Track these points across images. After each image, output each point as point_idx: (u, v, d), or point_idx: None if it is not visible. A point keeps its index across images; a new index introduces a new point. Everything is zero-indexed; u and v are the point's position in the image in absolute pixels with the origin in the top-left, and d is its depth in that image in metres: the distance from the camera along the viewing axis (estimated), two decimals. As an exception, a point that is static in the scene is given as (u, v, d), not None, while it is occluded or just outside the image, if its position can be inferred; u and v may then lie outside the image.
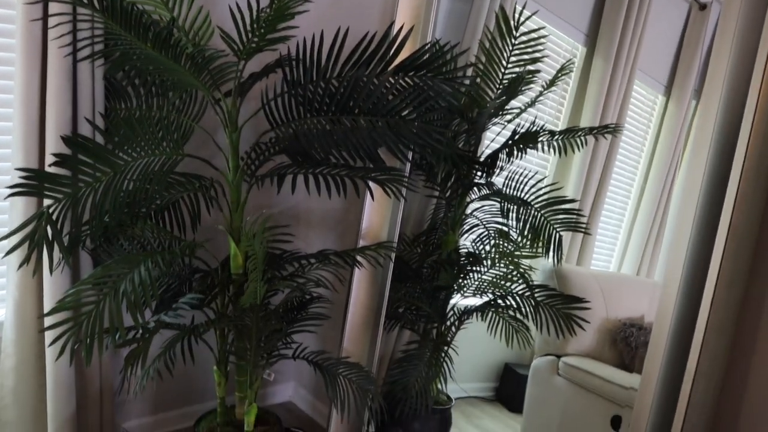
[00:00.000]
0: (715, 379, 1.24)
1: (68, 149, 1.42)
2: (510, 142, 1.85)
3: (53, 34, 1.35)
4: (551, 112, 2.23)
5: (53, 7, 1.33)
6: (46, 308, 1.49)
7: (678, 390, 1.22)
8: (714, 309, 1.20)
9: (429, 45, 1.45)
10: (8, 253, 1.29)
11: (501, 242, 1.98)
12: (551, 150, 1.93)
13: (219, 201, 1.56)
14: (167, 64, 1.33)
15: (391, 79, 1.41)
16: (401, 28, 1.38)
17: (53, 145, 1.42)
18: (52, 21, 1.34)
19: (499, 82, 1.90)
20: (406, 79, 1.42)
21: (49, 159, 1.42)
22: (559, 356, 1.99)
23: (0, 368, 1.53)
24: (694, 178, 1.24)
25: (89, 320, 1.16)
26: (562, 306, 1.86)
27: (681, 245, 1.26)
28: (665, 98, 2.36)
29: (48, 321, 1.48)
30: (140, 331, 1.35)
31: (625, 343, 1.93)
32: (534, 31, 1.83)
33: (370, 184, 1.50)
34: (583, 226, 1.97)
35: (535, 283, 1.97)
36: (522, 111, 1.94)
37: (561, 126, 2.26)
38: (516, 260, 1.92)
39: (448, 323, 2.00)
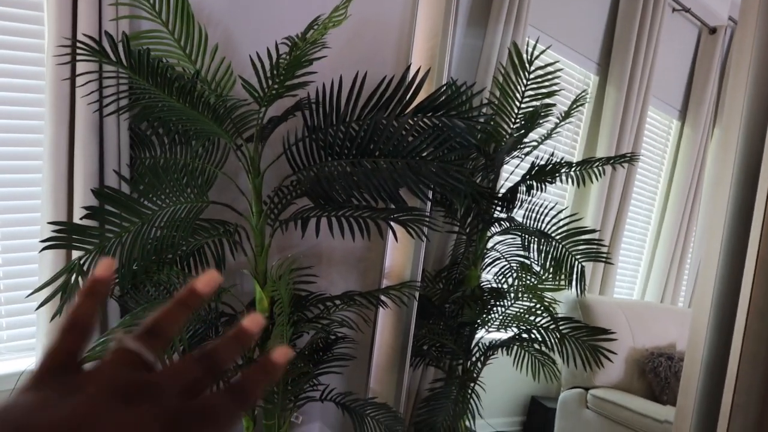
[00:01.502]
0: (753, 413, 1.22)
1: (96, 201, 1.45)
2: (528, 176, 1.86)
3: (81, 91, 1.39)
4: (567, 141, 2.24)
5: (81, 66, 1.38)
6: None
7: (715, 424, 1.20)
8: (747, 340, 1.18)
9: (445, 86, 1.47)
10: (41, 305, 1.31)
11: (523, 275, 1.97)
12: (569, 181, 1.93)
13: (243, 245, 1.58)
14: (191, 114, 1.36)
15: (410, 120, 1.43)
16: (418, 71, 1.40)
17: (81, 196, 1.45)
18: (79, 80, 1.38)
19: (515, 116, 1.92)
20: (425, 120, 1.45)
21: (77, 210, 1.45)
22: (587, 389, 1.96)
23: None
24: (717, 209, 1.23)
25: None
26: (587, 338, 1.84)
27: (709, 275, 1.25)
28: (680, 123, 2.36)
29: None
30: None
31: (654, 374, 1.90)
32: (549, 65, 1.85)
33: (393, 225, 1.51)
34: (605, 255, 1.96)
35: (559, 315, 1.96)
36: (539, 144, 1.95)
37: (577, 155, 2.27)
38: (539, 293, 1.91)
39: (474, 359, 1.99)
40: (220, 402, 0.31)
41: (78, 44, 1.27)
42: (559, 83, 1.93)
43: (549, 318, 1.89)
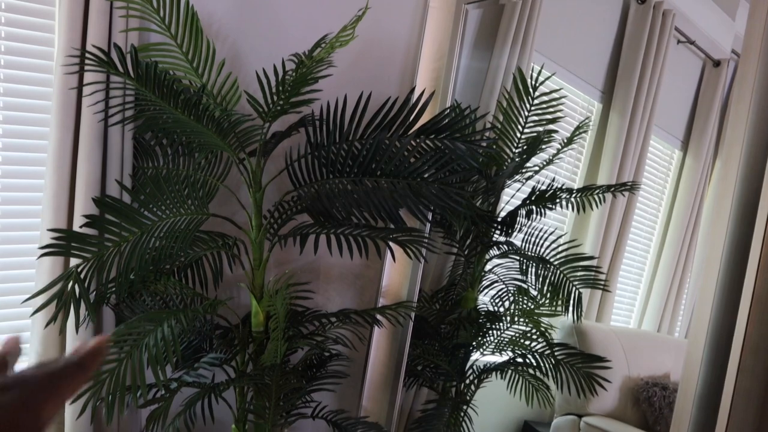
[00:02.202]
0: (745, 450, 1.21)
1: (97, 209, 1.46)
2: (528, 201, 1.87)
3: (87, 101, 1.41)
4: (569, 167, 2.25)
5: (89, 76, 1.39)
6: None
7: (706, 460, 1.20)
8: (741, 375, 1.18)
9: (449, 109, 1.48)
10: (36, 311, 1.31)
11: (520, 299, 1.97)
12: (569, 207, 1.94)
13: (241, 258, 1.59)
14: (195, 127, 1.37)
15: (412, 141, 1.44)
16: (422, 92, 1.42)
17: (82, 204, 1.46)
18: (86, 89, 1.39)
19: (517, 141, 1.93)
20: (427, 141, 1.45)
21: (78, 218, 1.46)
22: (580, 416, 1.95)
23: (20, 424, 1.53)
24: (715, 243, 1.24)
25: (111, 378, 1.18)
26: (582, 365, 1.83)
27: (705, 308, 1.25)
28: (682, 153, 2.37)
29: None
30: (162, 390, 1.35)
31: (649, 404, 1.89)
32: (553, 91, 1.87)
33: (391, 244, 1.52)
34: (603, 282, 1.96)
35: (555, 340, 1.96)
36: (540, 169, 1.96)
37: (578, 182, 2.27)
38: (536, 318, 1.91)
39: (468, 381, 1.98)
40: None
41: (87, 55, 1.28)
42: (562, 110, 1.95)
43: (544, 343, 1.89)
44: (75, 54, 1.36)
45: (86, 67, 1.35)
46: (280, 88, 1.38)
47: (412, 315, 1.87)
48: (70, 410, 1.51)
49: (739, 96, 1.22)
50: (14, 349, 0.39)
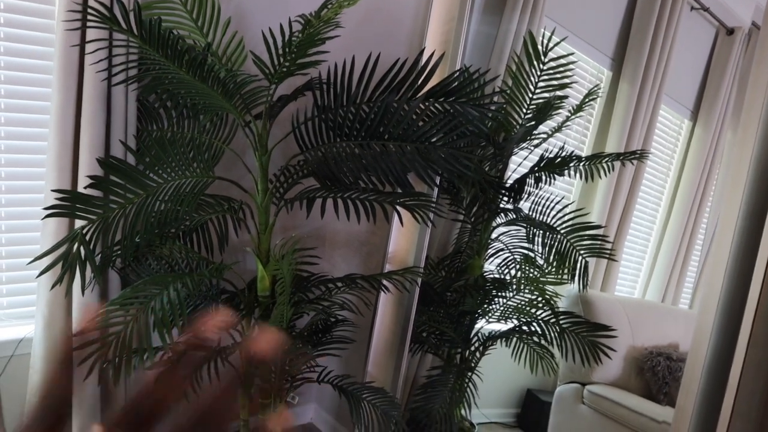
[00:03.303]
0: (753, 421, 1.21)
1: (102, 171, 1.44)
2: (537, 168, 1.84)
3: (90, 59, 1.38)
4: (577, 136, 2.22)
5: (91, 33, 1.36)
6: (75, 326, 1.50)
7: (714, 428, 1.19)
8: (751, 346, 1.17)
9: (458, 72, 1.45)
10: (42, 273, 1.30)
11: (526, 267, 1.97)
12: (577, 175, 1.92)
13: (247, 223, 1.57)
14: (200, 88, 1.35)
15: (421, 105, 1.41)
16: (431, 55, 1.39)
17: (86, 166, 1.44)
18: (89, 47, 1.36)
19: (526, 106, 1.90)
20: (436, 105, 1.43)
21: (82, 180, 1.44)
22: (583, 384, 1.96)
23: (28, 384, 1.54)
24: (730, 210, 1.22)
25: (118, 341, 1.17)
26: (587, 333, 1.83)
27: (717, 277, 1.24)
28: (692, 123, 2.34)
29: (77, 340, 1.49)
30: (168, 353, 1.35)
31: (653, 373, 1.89)
32: (563, 57, 1.83)
33: (399, 209, 1.50)
34: (609, 252, 1.95)
35: (560, 309, 1.95)
36: (549, 135, 1.93)
37: (586, 150, 2.25)
38: (541, 286, 1.90)
39: (473, 348, 1.99)
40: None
41: (89, 10, 1.25)
42: (572, 76, 1.91)
43: (550, 311, 1.88)
44: (77, 9, 1.33)
45: (88, 24, 1.32)
46: (287, 49, 1.35)
47: (419, 281, 1.87)
48: (77, 372, 1.51)
49: (760, 58, 1.19)
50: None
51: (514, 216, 1.94)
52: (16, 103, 1.49)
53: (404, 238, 1.87)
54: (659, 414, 1.70)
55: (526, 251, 1.98)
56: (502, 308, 1.97)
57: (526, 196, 1.92)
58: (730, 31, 2.27)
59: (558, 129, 1.93)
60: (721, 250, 1.22)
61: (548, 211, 1.92)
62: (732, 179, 1.21)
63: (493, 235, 1.99)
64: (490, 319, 1.99)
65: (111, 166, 1.36)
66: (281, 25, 1.39)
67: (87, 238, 1.30)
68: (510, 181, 1.95)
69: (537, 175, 1.85)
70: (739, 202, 1.19)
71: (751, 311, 1.15)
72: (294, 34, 1.34)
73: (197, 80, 1.32)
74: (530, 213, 1.93)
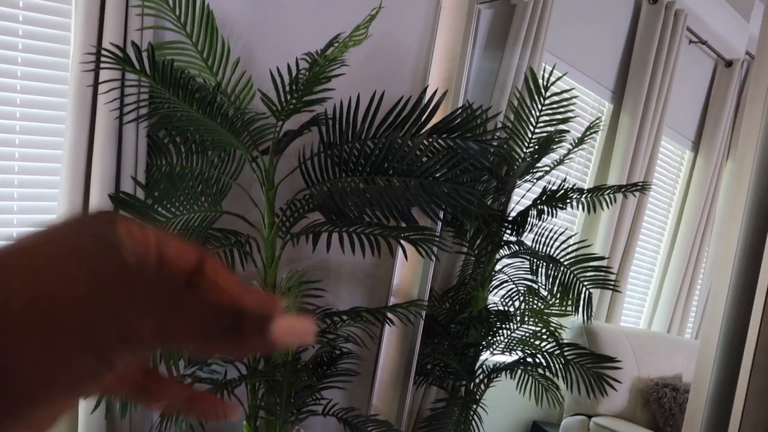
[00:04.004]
0: (757, 451, 1.21)
1: (112, 205, 1.47)
2: (539, 201, 1.87)
3: (103, 98, 1.42)
4: (579, 168, 2.25)
5: (105, 73, 1.40)
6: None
7: (718, 461, 1.19)
8: (754, 374, 1.17)
9: (461, 108, 1.49)
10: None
11: (530, 299, 1.97)
12: (580, 207, 1.94)
13: (254, 256, 1.59)
14: (209, 125, 1.39)
15: (425, 141, 1.44)
16: (435, 92, 1.42)
17: (97, 201, 1.47)
18: (102, 87, 1.40)
19: (528, 140, 1.93)
20: (440, 141, 1.46)
21: (93, 215, 1.47)
22: (589, 416, 1.95)
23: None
24: (729, 240, 1.23)
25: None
26: (592, 365, 1.83)
27: (718, 308, 1.25)
28: (693, 153, 2.37)
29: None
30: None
31: (659, 404, 1.89)
32: (564, 91, 1.87)
33: (403, 243, 1.52)
34: (613, 283, 1.95)
35: (565, 340, 1.95)
36: (551, 169, 1.96)
37: (589, 182, 2.27)
38: (545, 317, 1.91)
39: (477, 381, 1.99)
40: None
41: (103, 52, 1.29)
42: (573, 110, 1.95)
43: (554, 343, 1.89)
44: (92, 52, 1.37)
45: (102, 65, 1.36)
46: (293, 87, 1.39)
47: (423, 314, 1.88)
48: (83, 405, 1.52)
49: (753, 95, 1.22)
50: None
51: (518, 248, 1.96)
52: (30, 139, 1.53)
53: (408, 271, 1.89)
54: (665, 448, 1.69)
55: (529, 283, 1.99)
56: (506, 340, 1.98)
57: (529, 228, 1.93)
58: (729, 63, 2.31)
59: (560, 162, 1.95)
60: (722, 280, 1.24)
61: (551, 242, 1.93)
62: (729, 212, 1.22)
63: (497, 267, 2.01)
64: (495, 351, 1.99)
65: (121, 201, 1.39)
66: (288, 64, 1.43)
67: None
68: (513, 214, 1.97)
69: (539, 208, 1.88)
70: (737, 232, 1.21)
71: (753, 340, 1.16)
72: (300, 72, 1.38)
73: (207, 118, 1.36)
74: (533, 245, 1.95)
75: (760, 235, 1.18)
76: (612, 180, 2.18)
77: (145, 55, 1.30)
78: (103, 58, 1.30)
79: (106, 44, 1.40)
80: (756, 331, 1.17)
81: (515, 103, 1.96)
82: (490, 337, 1.98)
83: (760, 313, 1.16)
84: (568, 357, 1.85)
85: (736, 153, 1.27)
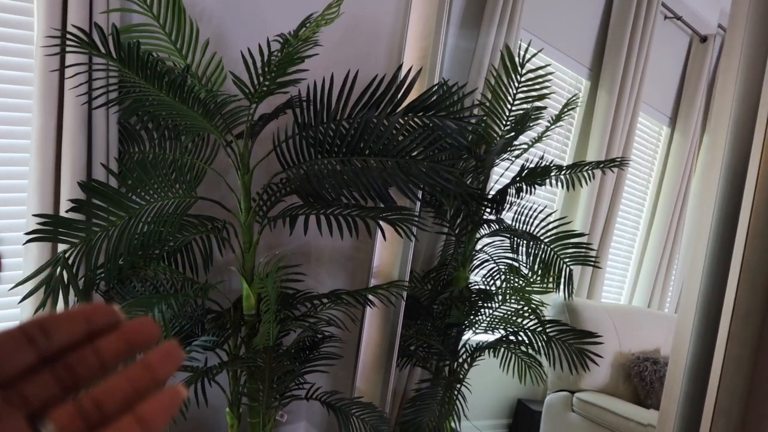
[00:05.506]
0: (735, 417, 1.22)
1: (84, 194, 1.44)
2: (518, 178, 1.87)
3: (70, 83, 1.38)
4: (557, 145, 2.25)
5: (70, 58, 1.37)
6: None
7: (697, 428, 1.21)
8: (730, 343, 1.19)
9: (437, 86, 1.47)
10: (24, 298, 1.30)
11: (511, 278, 1.98)
12: (559, 184, 1.94)
13: (231, 242, 1.57)
14: (181, 109, 1.36)
15: (401, 120, 1.43)
16: (409, 70, 1.40)
17: (68, 190, 1.44)
18: (68, 71, 1.37)
19: (506, 118, 1.92)
20: (416, 119, 1.44)
21: (64, 204, 1.44)
22: (572, 392, 1.97)
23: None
24: (704, 213, 1.24)
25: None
26: (574, 341, 1.84)
27: (694, 279, 1.26)
28: (670, 129, 2.38)
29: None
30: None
31: (640, 378, 1.91)
32: (540, 68, 1.86)
33: (382, 224, 1.51)
34: (593, 259, 1.96)
35: (547, 318, 1.96)
36: (529, 146, 1.95)
37: (568, 159, 2.27)
38: (527, 295, 1.92)
39: (461, 360, 1.99)
40: None
41: (67, 35, 1.26)
42: (550, 86, 1.94)
43: (536, 320, 1.90)
44: (54, 35, 1.33)
45: (67, 49, 1.32)
46: (266, 69, 1.36)
47: (404, 294, 1.87)
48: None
49: (726, 66, 1.22)
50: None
51: (498, 227, 1.96)
52: (-4, 129, 1.49)
53: (388, 253, 1.88)
54: (645, 418, 1.71)
55: (510, 261, 1.99)
56: (488, 319, 1.98)
57: (508, 206, 1.93)
58: (704, 39, 2.32)
59: (538, 139, 1.95)
60: (698, 252, 1.25)
61: (531, 220, 1.94)
62: (704, 184, 1.23)
63: (478, 247, 2.01)
64: (477, 331, 2.00)
65: (93, 189, 1.36)
66: (260, 45, 1.41)
67: (70, 261, 1.30)
68: (492, 193, 1.97)
69: (518, 185, 1.87)
70: (712, 205, 1.21)
71: (729, 309, 1.17)
72: (273, 54, 1.35)
73: (177, 101, 1.33)
74: (513, 223, 1.95)
75: (735, 204, 1.19)
76: (591, 157, 2.18)
77: (110, 38, 1.27)
78: (67, 42, 1.26)
79: (69, 27, 1.36)
80: (732, 299, 1.18)
81: (492, 81, 1.95)
82: (472, 317, 1.99)
83: (736, 281, 1.17)
84: (550, 334, 1.86)
85: (710, 125, 1.27)
